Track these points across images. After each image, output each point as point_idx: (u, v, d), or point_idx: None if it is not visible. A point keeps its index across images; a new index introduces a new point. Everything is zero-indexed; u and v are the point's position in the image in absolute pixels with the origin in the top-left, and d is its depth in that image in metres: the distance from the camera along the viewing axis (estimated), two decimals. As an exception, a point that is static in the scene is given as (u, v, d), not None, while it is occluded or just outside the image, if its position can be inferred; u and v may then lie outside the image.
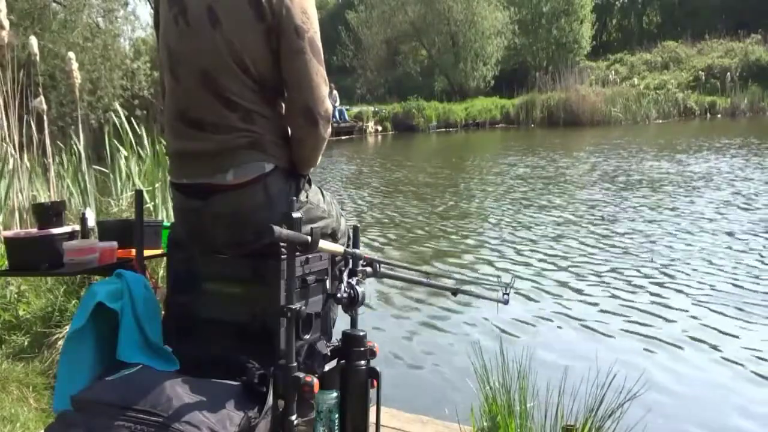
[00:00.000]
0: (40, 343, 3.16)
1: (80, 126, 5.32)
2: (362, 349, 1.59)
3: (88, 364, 1.49)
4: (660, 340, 3.59)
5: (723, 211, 6.68)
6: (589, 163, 11.35)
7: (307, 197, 1.63)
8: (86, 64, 16.32)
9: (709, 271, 4.73)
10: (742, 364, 3.26)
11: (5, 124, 4.40)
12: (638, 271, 4.83)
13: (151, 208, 4.20)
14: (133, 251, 1.75)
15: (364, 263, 1.63)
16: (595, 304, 4.18)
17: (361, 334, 1.60)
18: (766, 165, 9.77)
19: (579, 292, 4.44)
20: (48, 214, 1.87)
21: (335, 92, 20.79)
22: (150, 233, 1.88)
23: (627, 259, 5.15)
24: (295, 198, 1.50)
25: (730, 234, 5.76)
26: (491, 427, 2.09)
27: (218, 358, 1.49)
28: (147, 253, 1.77)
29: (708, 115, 22.02)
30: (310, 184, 1.66)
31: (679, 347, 3.49)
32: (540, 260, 5.27)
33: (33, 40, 4.87)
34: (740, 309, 3.96)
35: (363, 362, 1.58)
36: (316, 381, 1.37)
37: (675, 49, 26.14)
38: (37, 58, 5.04)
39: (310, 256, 1.53)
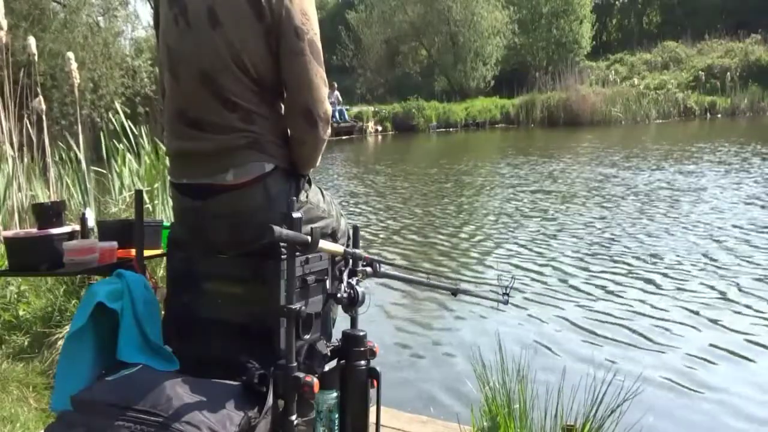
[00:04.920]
0: (40, 343, 3.16)
1: (80, 126, 5.33)
2: (362, 349, 1.59)
3: (88, 364, 1.49)
4: (659, 340, 3.59)
5: (723, 216, 6.68)
6: (588, 166, 11.35)
7: (307, 197, 1.63)
8: (87, 62, 16.34)
9: (707, 273, 4.73)
10: (740, 364, 3.26)
11: (4, 124, 4.40)
12: (637, 272, 4.83)
13: (151, 208, 4.20)
14: (133, 251, 1.75)
15: (364, 263, 1.63)
16: (595, 305, 4.18)
17: (361, 334, 1.60)
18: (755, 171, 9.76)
19: (578, 292, 4.44)
20: (48, 214, 1.87)
21: (337, 92, 20.74)
22: (150, 233, 1.88)
23: (626, 261, 5.15)
24: (295, 198, 1.50)
25: (730, 237, 5.76)
26: (491, 427, 2.09)
27: (218, 358, 1.50)
28: (147, 253, 1.77)
29: (708, 115, 21.99)
30: (310, 184, 1.66)
31: (679, 347, 3.49)
32: (540, 261, 5.27)
33: (31, 41, 4.87)
34: (739, 310, 3.97)
35: (363, 362, 1.59)
36: (316, 381, 1.37)
37: (675, 49, 26.10)
38: (36, 58, 5.04)
39: (310, 256, 1.53)
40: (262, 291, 1.51)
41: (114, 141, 4.98)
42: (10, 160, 4.43)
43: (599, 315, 4.00)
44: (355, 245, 1.77)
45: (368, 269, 1.64)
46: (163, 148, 4.06)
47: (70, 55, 5.05)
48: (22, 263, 1.84)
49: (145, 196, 3.93)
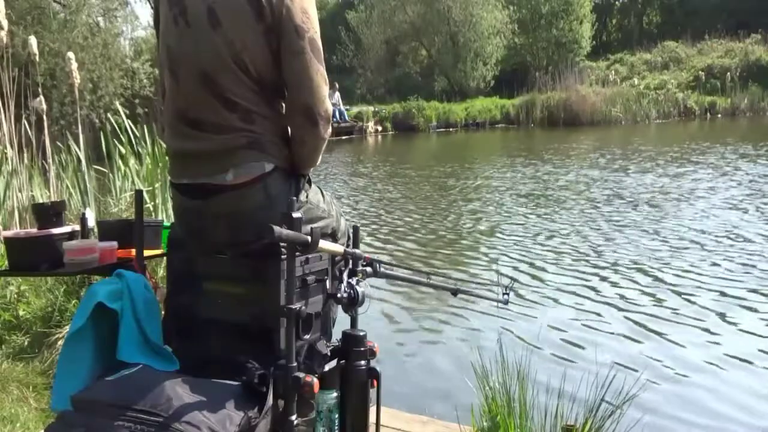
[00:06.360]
0: (40, 343, 3.16)
1: (80, 126, 5.33)
2: (362, 349, 1.59)
3: (88, 364, 1.49)
4: (660, 340, 3.59)
5: (722, 218, 6.69)
6: (588, 167, 11.35)
7: (307, 197, 1.63)
8: (86, 63, 16.36)
9: (708, 273, 4.73)
10: (741, 365, 3.26)
11: (4, 124, 4.40)
12: (638, 272, 4.83)
13: (151, 208, 4.19)
14: (133, 251, 1.75)
15: (364, 263, 1.63)
16: (595, 305, 4.18)
17: (361, 334, 1.60)
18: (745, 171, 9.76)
19: (578, 292, 4.44)
20: (48, 214, 1.88)
21: (338, 93, 20.69)
22: (150, 233, 1.88)
23: (627, 261, 5.15)
24: (295, 198, 1.49)
25: (730, 238, 5.77)
26: (491, 427, 2.09)
27: (218, 358, 1.50)
28: (147, 253, 1.77)
29: (708, 115, 21.98)
30: (310, 184, 1.66)
31: (679, 348, 3.49)
32: (540, 260, 5.27)
33: (32, 40, 4.87)
34: (740, 311, 3.97)
35: (363, 362, 1.59)
36: (316, 381, 1.37)
37: (675, 49, 26.09)
38: (36, 58, 5.04)
39: (310, 256, 1.53)
40: (262, 291, 1.51)
41: (114, 141, 4.98)
42: (10, 160, 4.43)
43: (600, 315, 3.99)
44: (355, 245, 1.77)
45: (368, 269, 1.64)
46: (164, 148, 4.06)
47: (71, 54, 5.05)
48: (22, 263, 1.84)
49: (146, 196, 3.92)
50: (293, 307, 1.37)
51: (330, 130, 1.61)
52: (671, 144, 13.74)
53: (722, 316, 3.88)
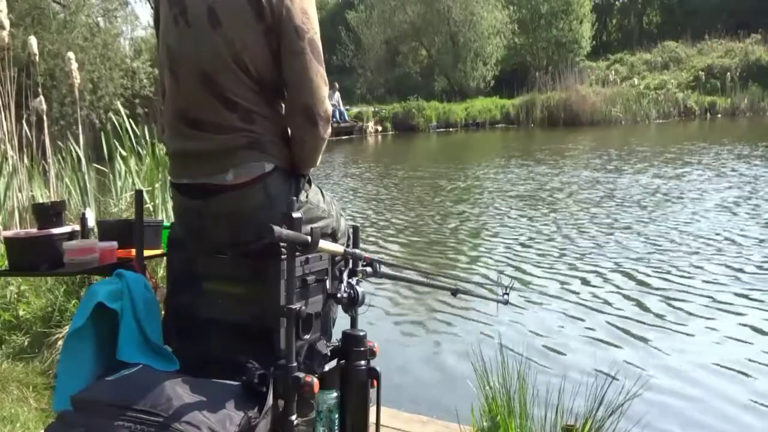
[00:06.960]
0: (40, 343, 3.16)
1: (80, 126, 5.33)
2: (362, 349, 1.59)
3: (88, 364, 1.49)
4: (660, 340, 3.59)
5: (721, 217, 6.69)
6: (587, 167, 11.35)
7: (307, 197, 1.63)
8: (86, 63, 16.37)
9: (708, 273, 4.73)
10: (741, 365, 3.26)
11: (5, 124, 4.40)
12: (638, 272, 4.82)
13: (151, 208, 4.19)
14: (133, 251, 1.75)
15: (364, 263, 1.63)
16: (595, 305, 4.18)
17: (361, 334, 1.60)
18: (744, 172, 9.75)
19: (578, 292, 4.44)
20: (48, 214, 1.88)
21: (338, 93, 20.67)
22: (150, 233, 1.88)
23: (627, 261, 5.15)
24: (295, 198, 1.49)
25: (730, 238, 5.77)
26: (491, 427, 2.09)
27: (218, 358, 1.50)
28: (147, 253, 1.77)
29: (708, 115, 21.98)
30: (310, 184, 1.66)
31: (679, 348, 3.49)
32: (540, 260, 5.27)
33: (33, 40, 4.87)
34: (740, 311, 3.97)
35: (363, 362, 1.59)
36: (316, 381, 1.37)
37: (675, 49, 26.09)
38: (37, 58, 5.04)
39: (310, 256, 1.53)
40: (262, 291, 1.51)
41: (115, 141, 4.98)
42: (10, 160, 4.43)
43: (600, 315, 4.00)
44: (355, 245, 1.77)
45: (368, 269, 1.63)
46: (163, 148, 4.06)
47: (71, 55, 5.05)
48: (22, 263, 1.84)
49: (146, 196, 3.92)
50: (293, 307, 1.37)
51: (330, 130, 1.61)
52: (670, 144, 13.74)
53: (724, 318, 3.88)
